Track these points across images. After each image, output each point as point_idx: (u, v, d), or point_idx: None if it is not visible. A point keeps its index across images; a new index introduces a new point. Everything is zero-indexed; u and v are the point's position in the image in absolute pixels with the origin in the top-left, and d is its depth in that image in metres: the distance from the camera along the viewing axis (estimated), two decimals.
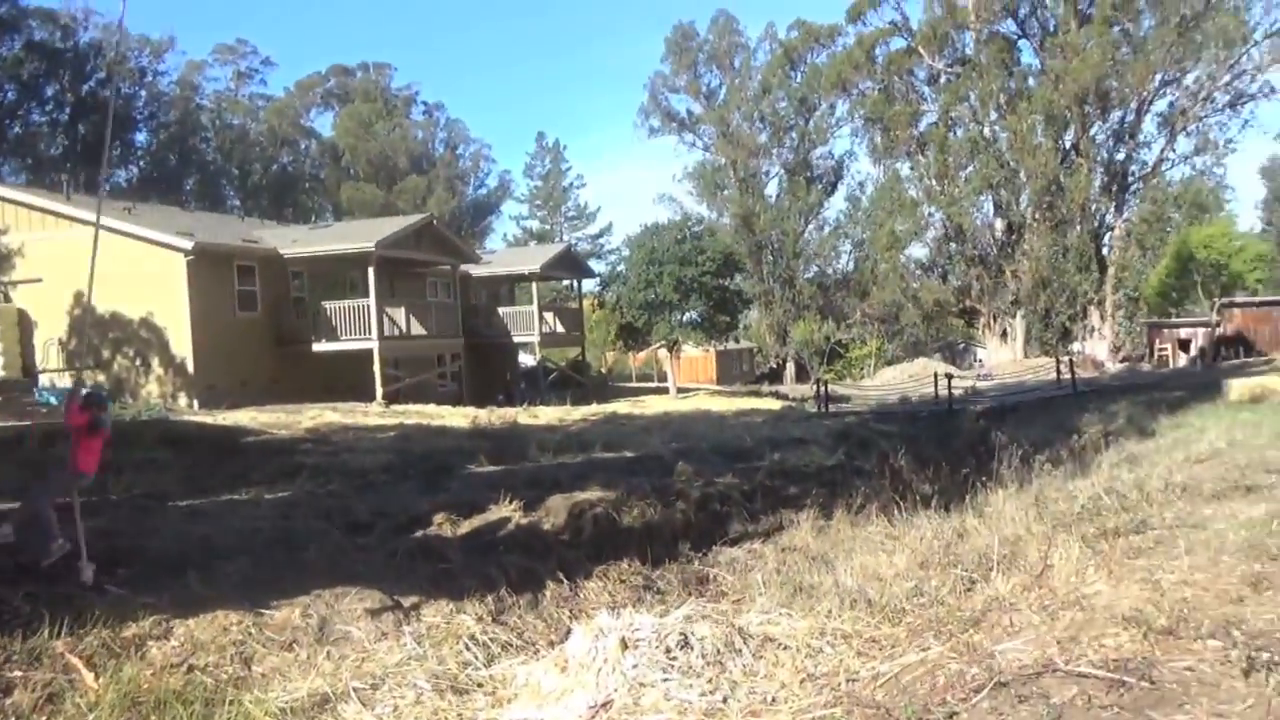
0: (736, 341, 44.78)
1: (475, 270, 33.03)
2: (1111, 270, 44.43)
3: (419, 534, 8.64)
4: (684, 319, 34.83)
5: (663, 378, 41.16)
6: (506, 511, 9.41)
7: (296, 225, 35.77)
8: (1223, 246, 42.06)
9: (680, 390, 34.99)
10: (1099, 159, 44.87)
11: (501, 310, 34.53)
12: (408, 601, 7.14)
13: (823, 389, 25.96)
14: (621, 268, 36.87)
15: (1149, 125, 44.96)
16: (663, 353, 38.58)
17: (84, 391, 7.13)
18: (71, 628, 5.75)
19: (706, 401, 29.37)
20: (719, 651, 5.80)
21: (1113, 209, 45.34)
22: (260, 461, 12.61)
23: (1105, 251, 45.56)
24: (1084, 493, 8.33)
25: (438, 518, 9.03)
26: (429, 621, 6.92)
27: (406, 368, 27.01)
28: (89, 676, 5.32)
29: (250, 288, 24.14)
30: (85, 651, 5.59)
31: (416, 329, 26.44)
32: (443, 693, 5.68)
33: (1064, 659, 4.27)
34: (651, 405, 27.40)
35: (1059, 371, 27.35)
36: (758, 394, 35.57)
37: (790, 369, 53.46)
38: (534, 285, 35.20)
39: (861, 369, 50.60)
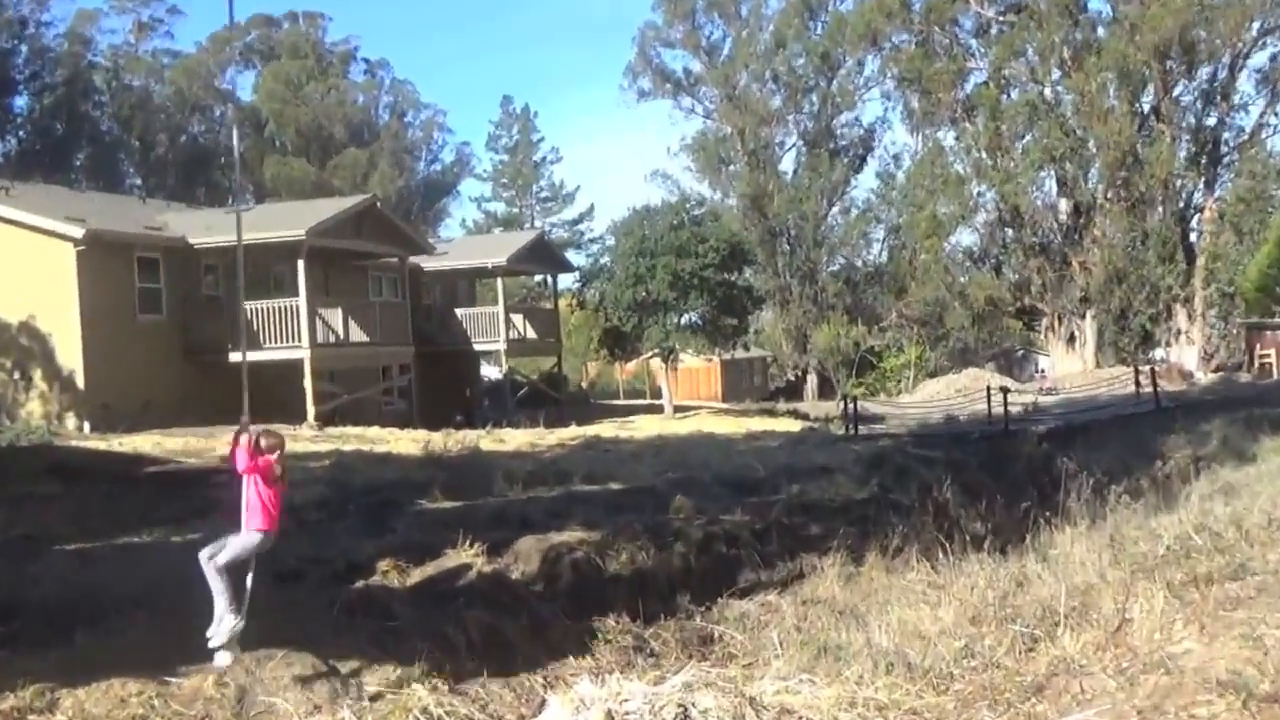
0: (746, 349, 44.92)
1: (428, 263, 33.10)
2: (1201, 260, 44.65)
3: (360, 584, 8.64)
4: (682, 322, 34.91)
5: (656, 394, 41.25)
6: (466, 557, 9.40)
7: (211, 209, 35.77)
8: None
9: (678, 409, 35.05)
10: (1184, 125, 45.23)
11: (460, 312, 34.61)
12: (346, 666, 7.13)
13: (851, 407, 26.01)
14: (606, 260, 36.95)
15: (1245, 84, 45.43)
16: (656, 363, 38.66)
17: (253, 428, 7.16)
18: None
19: (710, 422, 29.40)
20: None
21: (1202, 185, 45.63)
22: (166, 497, 12.56)
23: (1193, 238, 45.84)
24: (1169, 531, 8.35)
25: (382, 565, 9.03)
26: (372, 690, 6.93)
27: (344, 382, 27.00)
28: None
29: (154, 285, 24.13)
30: None
31: (357, 335, 26.44)
32: None
33: None
34: (643, 427, 27.42)
35: (1138, 383, 27.48)
36: (772, 413, 35.64)
37: (812, 382, 53.63)
38: (499, 281, 35.27)
39: (898, 382, 50.76)
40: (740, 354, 45.56)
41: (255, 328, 24.60)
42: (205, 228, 25.92)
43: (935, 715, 5.76)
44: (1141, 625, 6.38)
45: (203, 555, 6.95)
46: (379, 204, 30.36)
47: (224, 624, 6.78)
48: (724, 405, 41.15)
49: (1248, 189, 43.98)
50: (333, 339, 25.77)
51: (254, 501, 6.95)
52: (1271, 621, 5.93)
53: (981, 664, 6.35)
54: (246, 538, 7.00)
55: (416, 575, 8.93)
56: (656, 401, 38.92)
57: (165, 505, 11.90)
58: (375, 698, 6.85)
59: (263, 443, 7.08)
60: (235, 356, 24.48)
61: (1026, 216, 47.69)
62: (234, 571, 6.96)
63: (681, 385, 44.02)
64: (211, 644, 6.76)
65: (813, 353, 53.65)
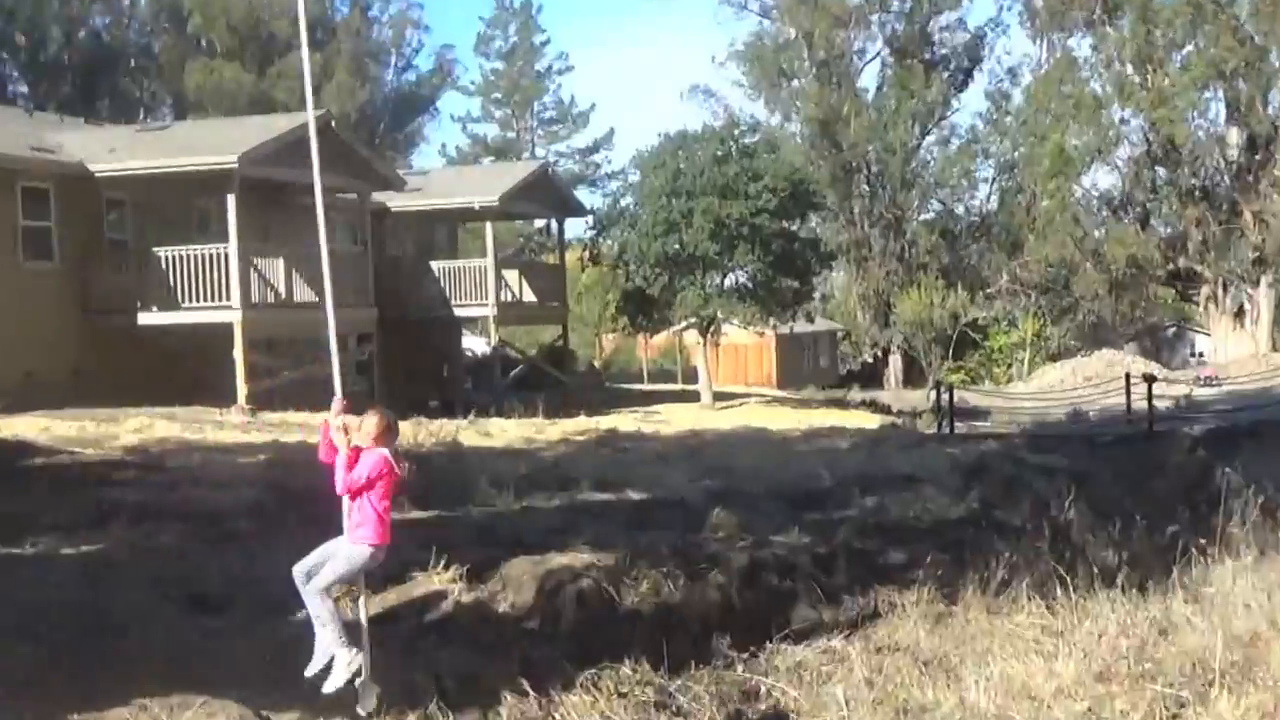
0: (810, 321, 44.88)
1: (396, 202, 33.19)
2: None
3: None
4: (726, 284, 34.89)
5: (691, 377, 41.32)
6: (440, 583, 9.46)
7: (117, 126, 35.93)
8: None
9: (718, 397, 35.13)
10: None
11: (437, 266, 34.67)
12: (283, 719, 7.23)
13: (945, 397, 26.02)
14: (628, 201, 36.98)
15: None
16: (691, 337, 38.67)
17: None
18: None
19: (761, 414, 29.44)
20: None
21: None
22: (55, 497, 12.67)
23: None
24: None
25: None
26: None
27: (286, 354, 27.17)
28: None
29: (43, 223, 24.29)
30: None
31: (303, 293, 26.57)
32: None
33: None
34: (672, 419, 27.53)
35: None
36: (842, 404, 35.71)
37: (895, 365, 53.65)
38: (489, 226, 35.28)
39: (1008, 366, 50.75)
40: (802, 327, 45.49)
41: (172, 281, 24.80)
42: (110, 150, 26.09)
43: None
44: None
45: (298, 573, 6.89)
46: (333, 123, 30.39)
47: (339, 660, 6.71)
48: (779, 393, 41.28)
49: None
50: (271, 298, 25.92)
51: (367, 510, 6.80)
52: None
53: None
54: (355, 552, 6.90)
55: (375, 605, 9.01)
56: (691, 387, 39.04)
57: (54, 507, 12.01)
58: None
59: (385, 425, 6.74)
60: (146, 318, 24.74)
61: (1184, 151, 47.43)
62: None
63: (724, 366, 44.08)
64: (327, 689, 6.72)
65: (897, 327, 53.59)
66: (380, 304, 29.60)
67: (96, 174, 24.98)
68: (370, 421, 6.64)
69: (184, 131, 31.76)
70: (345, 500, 6.78)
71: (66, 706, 6.86)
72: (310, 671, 6.79)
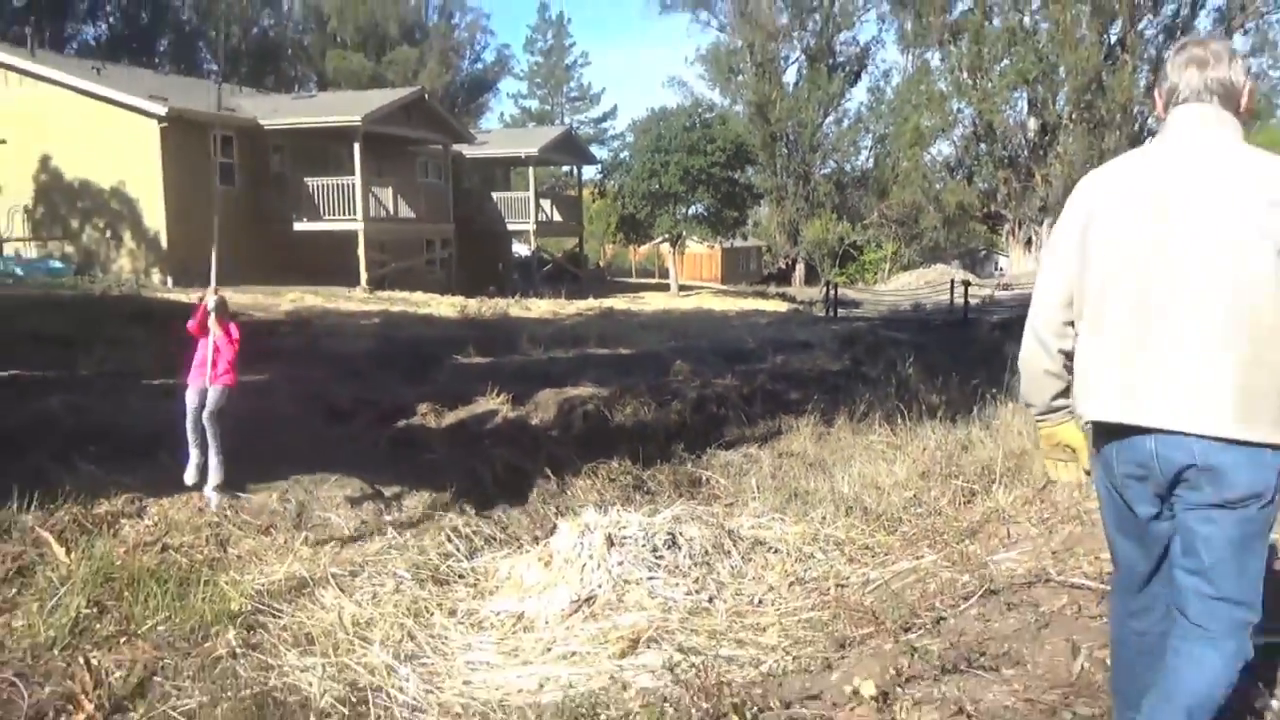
0: (744, 239, 44.56)
1: (469, 151, 32.60)
2: None
3: (402, 424, 8.77)
4: (689, 212, 34.59)
5: (664, 274, 41.07)
6: (494, 404, 9.52)
7: (278, 94, 35.13)
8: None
9: (682, 288, 34.98)
10: (1145, 57, 43.83)
11: (495, 195, 34.22)
12: (389, 491, 7.29)
13: (832, 292, 25.97)
14: (625, 155, 36.43)
15: (1203, 21, 43.91)
16: (665, 248, 38.44)
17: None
18: (42, 502, 5.89)
19: (709, 300, 29.38)
20: (707, 553, 5.95)
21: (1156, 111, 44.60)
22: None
23: None
24: (1039, 453, 8.40)
25: (422, 408, 9.14)
26: (410, 512, 7.09)
27: (393, 252, 26.92)
28: (60, 551, 5.47)
29: (228, 160, 23.87)
30: (56, 527, 5.73)
31: (405, 211, 26.25)
32: (423, 582, 5.84)
33: (1057, 570, 4.41)
34: (651, 302, 27.43)
35: None
36: (764, 295, 35.57)
37: (800, 270, 53.27)
38: (530, 170, 34.81)
39: (876, 273, 50.45)
40: (739, 243, 45.23)
41: (316, 202, 24.43)
42: (273, 111, 25.53)
43: (884, 550, 5.90)
44: (1064, 485, 6.48)
45: (200, 412, 6.64)
46: (426, 96, 29.72)
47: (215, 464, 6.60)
48: (723, 287, 41.03)
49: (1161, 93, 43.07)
50: (384, 214, 25.60)
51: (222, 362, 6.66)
52: None
53: (926, 511, 6.47)
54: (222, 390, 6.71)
55: (450, 418, 9.05)
56: (664, 281, 38.82)
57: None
58: (413, 517, 7.03)
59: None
60: (299, 226, 24.46)
61: (999, 132, 46.74)
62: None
63: (686, 268, 43.84)
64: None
65: (802, 245, 53.13)
66: (456, 220, 29.30)
67: (265, 127, 24.48)
68: (210, 298, 6.77)
69: (324, 99, 31.02)
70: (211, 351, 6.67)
71: (243, 478, 6.93)
72: (212, 482, 6.58)
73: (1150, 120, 44.57)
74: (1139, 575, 2.57)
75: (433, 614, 5.44)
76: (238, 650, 4.57)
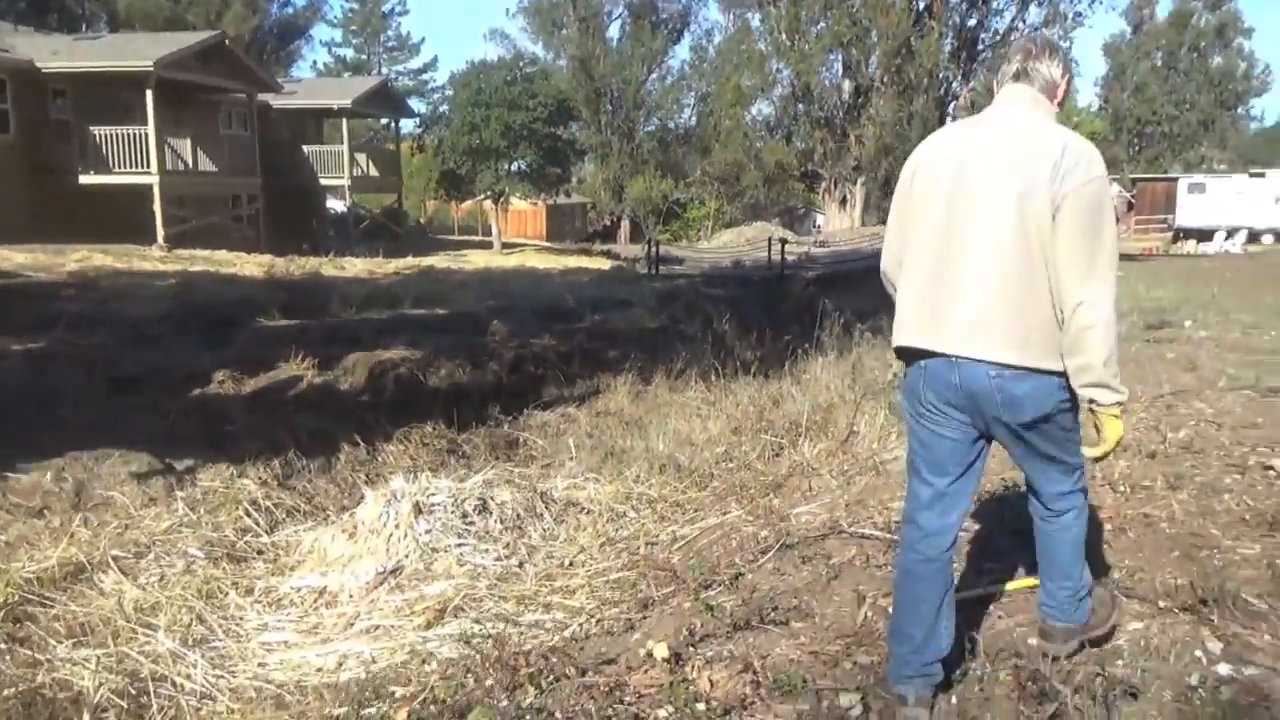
0: (567, 196, 44.34)
1: (277, 101, 30.95)
2: None
3: (197, 393, 8.29)
4: (511, 169, 34.15)
5: (487, 232, 40.49)
6: (298, 369, 9.13)
7: (59, 35, 32.27)
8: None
9: (505, 246, 34.58)
10: (951, 24, 45.95)
11: (307, 149, 32.71)
12: (181, 465, 6.90)
13: (654, 249, 26.20)
14: (444, 109, 35.54)
15: None
16: (488, 204, 37.85)
17: None
18: None
19: (532, 258, 29.17)
20: (519, 516, 5.92)
21: (960, 76, 46.85)
22: (9, 308, 11.66)
23: (949, 121, 47.24)
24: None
25: (219, 375, 8.66)
26: (205, 486, 6.74)
27: (194, 208, 25.36)
28: None
29: (0, 106, 21.87)
30: None
31: (206, 164, 24.77)
32: (217, 560, 5.60)
33: (849, 521, 4.58)
34: (473, 260, 26.97)
35: None
36: (588, 253, 35.59)
37: (625, 228, 53.56)
38: (345, 122, 33.45)
39: (699, 230, 51.27)
40: (564, 200, 44.97)
41: (104, 153, 22.70)
42: (52, 53, 23.45)
43: (694, 506, 6.00)
44: (865, 437, 6.75)
45: None
46: (227, 41, 27.97)
47: None
48: (547, 244, 40.79)
49: (995, 81, 45.53)
50: (181, 167, 24.06)
51: None
52: None
53: (737, 466, 6.60)
54: None
55: (251, 385, 8.61)
56: (487, 239, 38.27)
57: (8, 316, 11.04)
58: (208, 492, 6.67)
59: None
60: (86, 179, 22.68)
61: (815, 93, 48.03)
62: None
63: (510, 225, 43.36)
64: None
65: (627, 202, 53.38)
66: (265, 174, 27.86)
67: (43, 70, 22.52)
68: None
69: (112, 42, 28.70)
70: None
71: (14, 457, 6.41)
72: None
73: (955, 85, 47.00)
74: (936, 494, 2.82)
75: (227, 594, 5.23)
76: (1, 645, 4.23)
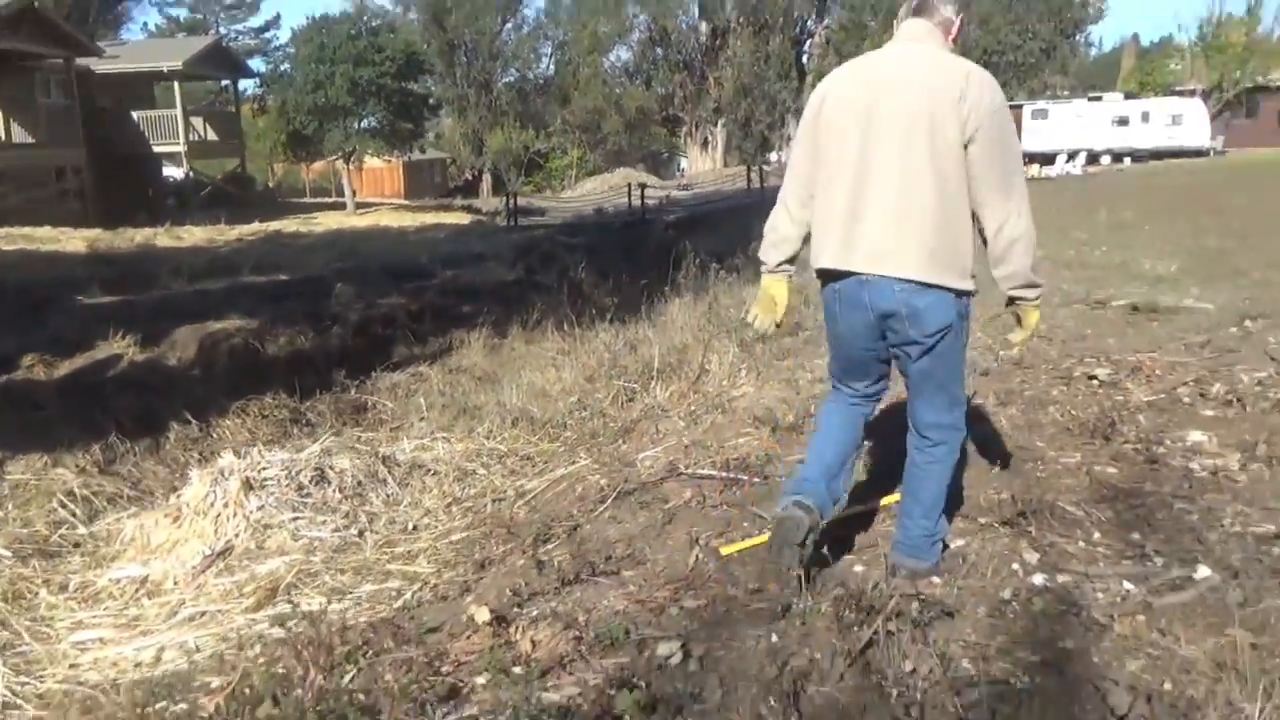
0: (423, 152, 43.25)
1: (100, 66, 28.94)
2: (810, 78, 46.64)
3: (2, 379, 7.66)
4: (361, 126, 33.03)
5: (341, 193, 39.17)
6: (119, 348, 8.54)
7: None
8: None
9: (360, 206, 33.52)
10: None
11: (137, 115, 30.76)
12: None
13: (513, 202, 25.78)
14: (287, 67, 34.02)
15: None
16: (340, 165, 36.58)
17: None
18: None
19: (388, 217, 28.32)
20: (360, 484, 5.70)
21: (814, 15, 47.29)
22: None
23: (805, 60, 47.75)
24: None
25: (28, 359, 8.02)
26: (15, 480, 6.24)
27: (12, 183, 23.58)
28: None
29: None
30: None
31: (21, 136, 23.10)
32: (26, 558, 5.22)
33: (688, 463, 4.49)
34: (324, 223, 26.02)
35: (749, 180, 28.81)
36: (448, 208, 34.81)
37: (487, 181, 52.54)
38: (177, 85, 31.54)
39: (562, 180, 50.76)
40: (421, 156, 43.81)
41: None
42: None
43: (545, 458, 5.85)
44: (715, 375, 6.70)
45: None
46: (37, 4, 25.94)
47: None
48: (405, 202, 39.69)
49: (849, 19, 46.18)
50: None
51: None
52: (808, 368, 6.39)
53: (590, 414, 6.46)
54: None
55: (65, 368, 8.01)
56: (341, 200, 37.01)
57: None
58: (18, 486, 6.17)
59: None
60: None
61: (673, 37, 47.93)
62: None
63: (366, 184, 42.08)
64: None
65: (487, 155, 52.30)
66: (91, 144, 26.13)
67: None
68: None
69: None
70: None
71: None
72: None
73: (810, 24, 47.47)
74: (851, 388, 3.12)
75: (37, 594, 4.88)
76: None
